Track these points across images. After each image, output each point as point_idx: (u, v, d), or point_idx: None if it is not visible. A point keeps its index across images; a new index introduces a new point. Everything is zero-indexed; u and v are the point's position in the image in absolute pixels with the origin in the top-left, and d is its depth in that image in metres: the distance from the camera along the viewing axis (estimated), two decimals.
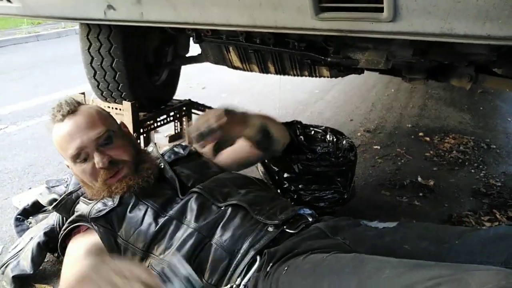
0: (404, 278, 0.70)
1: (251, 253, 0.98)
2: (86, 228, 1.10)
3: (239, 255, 0.99)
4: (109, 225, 1.08)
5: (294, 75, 1.57)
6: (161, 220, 1.07)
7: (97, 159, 1.09)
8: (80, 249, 1.07)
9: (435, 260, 0.91)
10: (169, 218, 1.07)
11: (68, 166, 1.22)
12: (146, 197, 1.11)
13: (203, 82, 4.06)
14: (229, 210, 1.08)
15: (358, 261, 0.81)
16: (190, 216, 1.07)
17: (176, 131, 2.43)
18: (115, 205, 1.09)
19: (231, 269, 0.98)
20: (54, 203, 1.32)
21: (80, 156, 1.11)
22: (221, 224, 1.04)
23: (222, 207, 1.09)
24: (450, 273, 0.67)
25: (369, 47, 1.16)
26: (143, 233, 1.05)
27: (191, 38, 1.67)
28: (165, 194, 1.14)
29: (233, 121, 1.11)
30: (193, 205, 1.09)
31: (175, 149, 1.35)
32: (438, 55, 1.15)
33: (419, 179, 2.07)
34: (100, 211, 1.08)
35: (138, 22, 0.98)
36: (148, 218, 1.07)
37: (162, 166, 1.23)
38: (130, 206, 1.10)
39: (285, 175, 1.61)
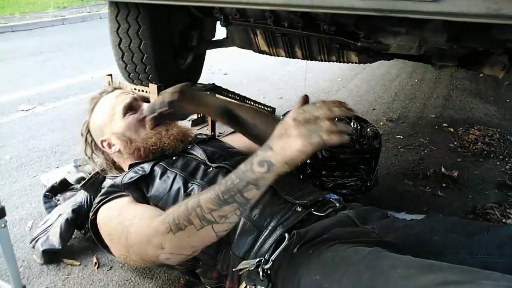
0: (412, 280, 0.70)
1: (279, 230, 1.00)
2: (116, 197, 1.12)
3: (267, 231, 1.00)
4: (140, 191, 1.12)
5: (321, 60, 1.55)
6: (190, 186, 1.10)
7: (146, 106, 1.25)
8: (123, 202, 1.09)
9: (465, 250, 0.92)
10: (198, 185, 1.10)
11: (102, 144, 1.28)
12: (174, 167, 1.16)
13: (225, 68, 4.06)
14: None
15: (376, 256, 0.81)
16: None
17: (199, 115, 2.45)
18: (146, 173, 1.14)
19: (258, 244, 1.00)
20: (83, 182, 1.36)
21: (132, 106, 1.26)
22: None
23: None
24: (459, 279, 0.67)
25: (401, 32, 1.14)
26: (172, 198, 1.09)
27: (217, 22, 1.67)
28: (192, 164, 1.18)
29: (187, 99, 1.20)
30: (222, 177, 1.10)
31: (198, 136, 1.42)
32: (473, 41, 1.12)
33: (443, 169, 2.04)
34: (131, 177, 1.12)
35: (168, 0, 0.98)
36: (177, 184, 1.11)
37: (189, 146, 1.30)
38: (159, 174, 1.14)
39: (309, 161, 1.61)
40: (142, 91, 1.84)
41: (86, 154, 1.36)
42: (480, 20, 0.65)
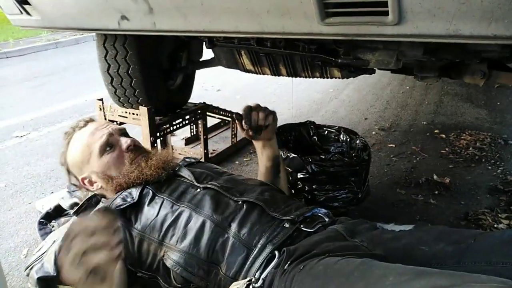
0: (404, 287, 0.71)
1: (269, 248, 1.00)
2: None
3: (257, 250, 1.01)
4: (126, 219, 1.12)
5: (306, 77, 1.58)
6: (176, 210, 1.11)
7: (123, 140, 1.23)
8: None
9: (452, 259, 0.92)
10: (185, 208, 1.11)
11: (84, 182, 1.27)
12: (162, 192, 1.16)
13: (218, 84, 4.10)
14: (246, 206, 1.11)
15: (367, 266, 0.82)
16: (207, 209, 1.10)
17: (192, 134, 2.48)
18: (135, 200, 1.14)
19: (248, 263, 1.00)
20: (75, 208, 1.36)
21: (108, 143, 1.21)
22: (238, 218, 1.07)
23: (239, 201, 1.12)
24: (451, 283, 0.68)
25: (379, 48, 1.17)
26: (159, 224, 1.09)
27: (204, 43, 1.70)
28: (180, 187, 1.18)
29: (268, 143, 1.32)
30: (209, 199, 1.12)
31: (186, 159, 1.43)
32: (449, 53, 1.14)
33: (435, 177, 2.06)
34: (119, 205, 1.12)
35: (151, 32, 1.01)
36: (164, 210, 1.11)
37: (177, 168, 1.28)
38: (148, 201, 1.14)
39: (299, 175, 1.63)
40: (133, 114, 1.87)
41: (72, 184, 1.36)
42: (441, 40, 0.67)
